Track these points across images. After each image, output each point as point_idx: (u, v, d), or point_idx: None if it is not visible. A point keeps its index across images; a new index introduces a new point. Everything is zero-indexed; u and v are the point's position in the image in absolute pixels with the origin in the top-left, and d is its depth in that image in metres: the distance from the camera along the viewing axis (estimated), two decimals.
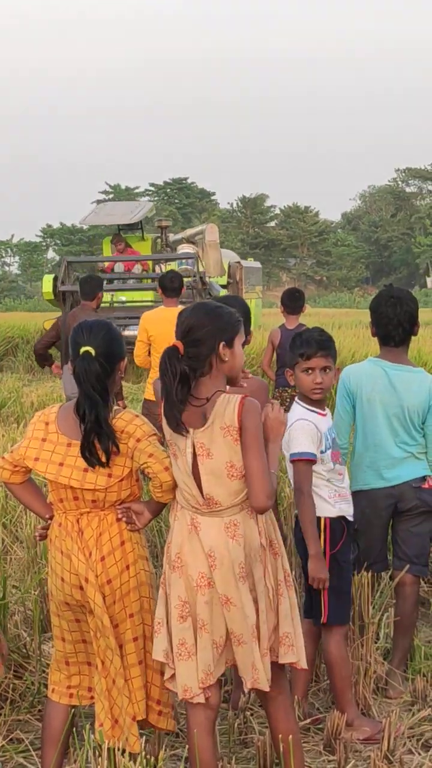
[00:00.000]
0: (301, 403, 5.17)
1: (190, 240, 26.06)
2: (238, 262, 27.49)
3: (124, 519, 4.28)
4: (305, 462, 5.01)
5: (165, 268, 24.85)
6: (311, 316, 36.66)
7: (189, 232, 30.34)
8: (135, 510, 4.32)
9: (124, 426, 4.21)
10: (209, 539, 4.05)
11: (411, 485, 5.64)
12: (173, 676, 4.14)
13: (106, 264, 22.16)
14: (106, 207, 26.68)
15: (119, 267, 21.73)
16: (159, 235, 25.18)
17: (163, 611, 4.17)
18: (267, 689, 4.08)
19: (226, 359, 4.08)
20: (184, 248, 24.87)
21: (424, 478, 5.67)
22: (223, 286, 25.43)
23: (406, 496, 5.64)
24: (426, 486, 5.67)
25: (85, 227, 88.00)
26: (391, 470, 5.65)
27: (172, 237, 26.17)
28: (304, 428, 5.04)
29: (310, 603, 5.17)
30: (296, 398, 5.22)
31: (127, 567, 4.28)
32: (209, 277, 24.99)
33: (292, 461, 5.03)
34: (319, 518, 5.05)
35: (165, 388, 4.04)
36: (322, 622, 5.09)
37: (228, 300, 5.61)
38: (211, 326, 4.06)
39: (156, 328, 9.59)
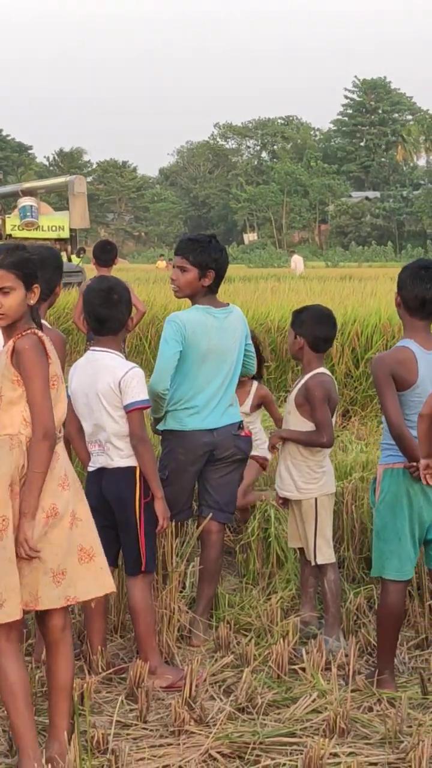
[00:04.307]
0: None
1: (27, 192, 25.94)
2: None
3: None
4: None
5: (7, 218, 24.79)
6: (127, 271, 36.64)
7: (43, 183, 29.95)
8: None
9: None
10: None
11: (231, 432, 5.69)
12: None
13: None
14: None
15: None
16: None
17: None
18: None
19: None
20: (25, 201, 24.78)
21: (240, 426, 5.74)
22: (65, 239, 25.53)
23: (225, 444, 5.68)
24: (243, 434, 5.75)
25: None
26: (213, 414, 5.67)
27: (0, 189, 26.22)
28: None
29: (108, 551, 5.17)
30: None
31: None
32: (75, 228, 24.98)
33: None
34: (133, 468, 5.06)
35: None
36: (141, 570, 5.09)
37: (47, 251, 5.55)
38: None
39: None
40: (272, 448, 5.93)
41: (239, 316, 5.83)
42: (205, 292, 5.72)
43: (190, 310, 5.74)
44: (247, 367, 5.94)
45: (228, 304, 5.83)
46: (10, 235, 24.09)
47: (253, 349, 5.98)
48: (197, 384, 5.65)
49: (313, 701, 4.78)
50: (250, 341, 5.95)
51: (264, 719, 4.65)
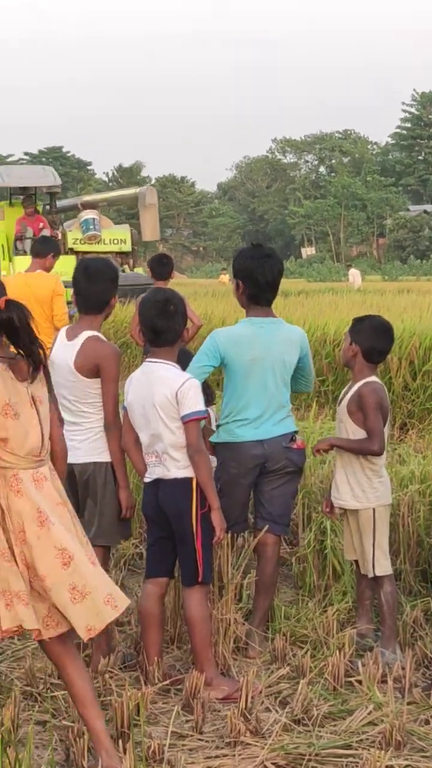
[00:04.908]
0: None
1: (87, 205, 25.79)
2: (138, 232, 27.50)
3: None
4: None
5: (68, 231, 24.62)
6: (185, 286, 36.72)
7: (112, 195, 29.71)
8: None
9: None
10: None
11: (281, 444, 5.67)
12: None
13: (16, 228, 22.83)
14: (13, 170, 26.52)
15: (29, 232, 22.18)
16: (48, 201, 25.17)
17: None
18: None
19: None
20: (87, 214, 24.61)
21: (293, 438, 5.71)
22: (126, 253, 25.41)
23: (276, 456, 5.67)
24: (295, 447, 5.72)
25: None
26: (265, 424, 5.67)
27: (59, 203, 26.24)
28: None
29: (164, 561, 5.20)
30: None
31: None
32: (148, 240, 24.62)
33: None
34: (190, 479, 5.08)
35: None
36: (198, 581, 5.10)
37: (102, 263, 5.59)
38: None
39: None
40: (317, 452, 5.88)
41: (294, 332, 5.82)
42: (251, 303, 5.74)
43: (235, 325, 5.84)
44: (300, 386, 5.94)
45: (276, 317, 5.82)
46: (71, 249, 24.06)
47: (311, 371, 5.94)
48: (246, 396, 5.66)
49: (369, 713, 4.76)
50: (310, 361, 5.92)
51: (319, 731, 4.63)
